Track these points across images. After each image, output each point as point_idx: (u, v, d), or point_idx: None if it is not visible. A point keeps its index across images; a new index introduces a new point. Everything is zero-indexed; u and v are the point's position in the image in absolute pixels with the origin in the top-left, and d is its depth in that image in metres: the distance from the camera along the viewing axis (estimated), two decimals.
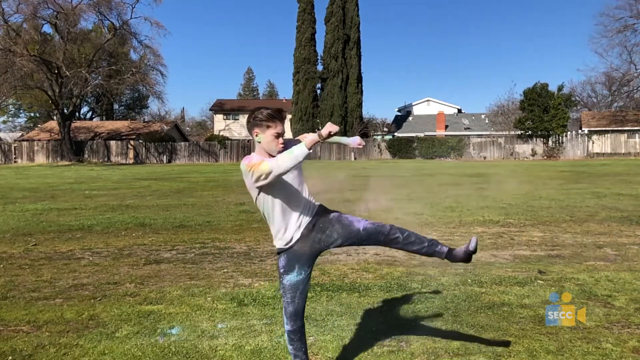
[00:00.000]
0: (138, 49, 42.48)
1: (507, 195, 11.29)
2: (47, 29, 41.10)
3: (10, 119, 61.21)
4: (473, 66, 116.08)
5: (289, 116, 40.68)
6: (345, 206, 8.71)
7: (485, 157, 39.59)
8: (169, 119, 57.02)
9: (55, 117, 44.87)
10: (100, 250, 6.17)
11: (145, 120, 52.16)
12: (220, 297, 4.18)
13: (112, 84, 39.23)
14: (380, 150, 41.55)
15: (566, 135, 38.86)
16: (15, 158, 40.94)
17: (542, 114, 38.07)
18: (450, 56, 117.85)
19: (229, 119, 52.57)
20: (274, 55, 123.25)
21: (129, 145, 41.80)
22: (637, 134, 38.69)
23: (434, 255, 2.61)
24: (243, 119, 50.08)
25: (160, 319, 3.70)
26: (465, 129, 46.43)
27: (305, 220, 2.53)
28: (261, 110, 2.49)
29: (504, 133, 40.39)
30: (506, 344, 3.17)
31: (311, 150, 2.33)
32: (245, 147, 41.39)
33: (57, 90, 37.31)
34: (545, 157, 38.23)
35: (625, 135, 38.87)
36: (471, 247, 2.56)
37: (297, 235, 2.51)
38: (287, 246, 2.52)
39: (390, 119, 53.20)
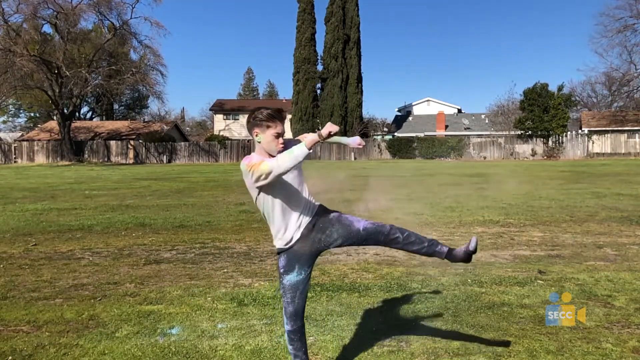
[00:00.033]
0: (138, 49, 42.55)
1: (507, 195, 11.29)
2: (47, 29, 41.19)
3: (10, 119, 61.30)
4: (473, 66, 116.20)
5: (289, 116, 40.69)
6: (345, 206, 8.72)
7: (485, 157, 39.59)
8: (169, 119, 57.04)
9: (55, 117, 44.88)
10: (100, 250, 6.17)
11: (145, 120, 52.16)
12: (220, 297, 4.18)
13: (112, 84, 39.24)
14: (380, 150, 41.55)
15: (566, 135, 38.86)
16: (15, 158, 40.94)
17: (542, 114, 38.07)
18: (450, 56, 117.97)
19: (229, 119, 52.57)
20: (274, 55, 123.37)
21: (129, 145, 41.80)
22: (637, 134, 38.69)
23: (434, 255, 2.61)
24: (243, 119, 50.07)
25: (160, 319, 3.70)
26: (465, 129, 46.43)
27: (305, 220, 2.53)
28: (261, 110, 2.49)
29: (504, 133, 40.40)
30: (506, 344, 3.17)
31: (311, 150, 2.33)
32: (245, 147, 41.39)
33: (57, 90, 37.31)
34: (545, 157, 38.23)
35: (625, 135, 38.87)
36: (471, 247, 2.56)
37: (297, 235, 2.51)
38: (287, 246, 2.52)
39: (390, 119, 53.28)
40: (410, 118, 50.81)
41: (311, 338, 3.25)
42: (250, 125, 2.51)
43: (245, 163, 2.41)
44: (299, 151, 2.30)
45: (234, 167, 30.42)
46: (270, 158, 2.41)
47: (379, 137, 44.87)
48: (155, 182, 17.47)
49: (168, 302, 4.10)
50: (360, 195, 11.63)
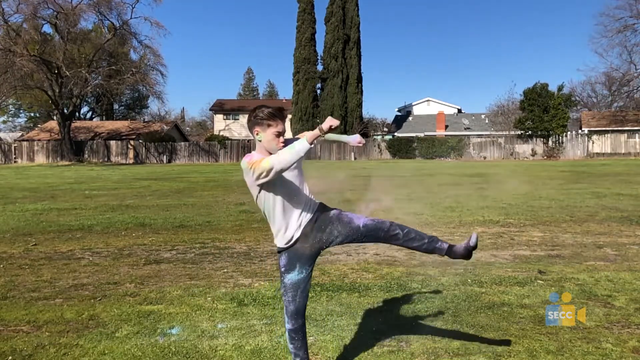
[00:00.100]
0: (138, 49, 42.55)
1: (507, 195, 11.29)
2: (47, 29, 41.19)
3: (10, 119, 61.30)
4: (473, 66, 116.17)
5: (289, 116, 40.68)
6: (345, 206, 8.70)
7: (485, 157, 39.59)
8: (169, 119, 57.04)
9: (55, 117, 44.89)
10: (100, 250, 6.17)
11: (145, 120, 52.16)
12: (220, 297, 4.18)
13: (112, 84, 39.24)
14: (380, 150, 41.55)
15: (566, 135, 38.86)
16: (15, 158, 40.95)
17: (542, 114, 38.08)
18: (450, 56, 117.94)
19: (229, 119, 52.57)
20: (274, 55, 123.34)
21: (129, 145, 41.80)
22: (637, 134, 38.69)
23: (434, 251, 2.60)
24: (243, 119, 50.07)
25: (160, 319, 3.69)
26: (465, 129, 46.43)
27: (306, 218, 2.52)
28: (262, 109, 2.48)
29: (504, 133, 40.40)
30: (506, 344, 3.17)
31: (312, 145, 2.32)
32: (245, 147, 41.38)
33: (57, 90, 37.31)
34: (545, 157, 38.23)
35: (625, 135, 38.87)
36: (472, 242, 2.56)
37: (298, 234, 2.51)
38: (287, 245, 2.52)
39: (390, 119, 53.28)
40: (410, 118, 50.81)
41: (311, 338, 3.25)
42: (251, 124, 2.50)
43: (246, 161, 2.40)
44: (300, 146, 2.29)
45: (234, 167, 30.42)
46: (271, 155, 2.41)
47: (379, 137, 44.87)
48: (155, 182, 17.47)
49: (168, 302, 4.10)
50: (360, 195, 11.63)
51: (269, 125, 2.46)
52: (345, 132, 40.94)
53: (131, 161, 40.92)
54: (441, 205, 9.83)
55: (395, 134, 45.89)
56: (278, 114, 2.47)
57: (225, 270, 5.14)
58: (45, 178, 20.82)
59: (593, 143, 38.80)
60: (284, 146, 2.45)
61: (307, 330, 2.70)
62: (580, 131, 40.59)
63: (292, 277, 2.53)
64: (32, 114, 60.14)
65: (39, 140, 42.75)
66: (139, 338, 3.34)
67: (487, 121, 46.41)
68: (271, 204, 2.48)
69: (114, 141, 42.26)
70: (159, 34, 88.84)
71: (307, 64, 43.82)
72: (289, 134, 2.75)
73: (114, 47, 40.90)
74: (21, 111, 60.47)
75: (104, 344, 3.24)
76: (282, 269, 2.56)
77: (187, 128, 64.87)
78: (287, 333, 2.61)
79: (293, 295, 2.54)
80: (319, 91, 44.81)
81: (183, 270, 5.16)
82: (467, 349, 3.10)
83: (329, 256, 5.60)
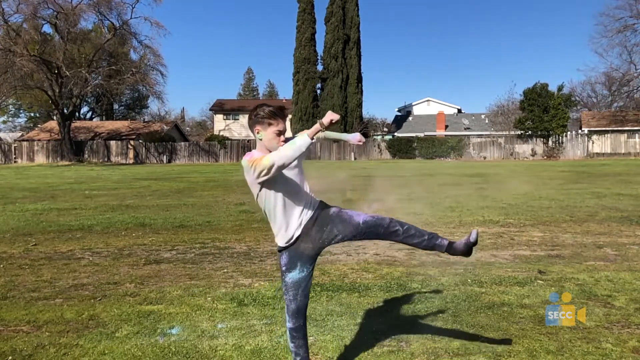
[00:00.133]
0: (138, 49, 42.57)
1: (507, 196, 11.29)
2: (47, 29, 41.20)
3: (10, 119, 61.31)
4: (473, 66, 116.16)
5: (289, 116, 40.70)
6: (346, 206, 8.70)
7: (485, 157, 39.59)
8: (169, 119, 57.04)
9: (55, 117, 44.89)
10: (100, 250, 6.17)
11: (145, 120, 52.17)
12: (220, 297, 4.18)
13: (112, 84, 39.25)
14: (380, 150, 41.55)
15: (566, 135, 38.86)
16: (15, 158, 40.95)
17: (542, 114, 38.08)
18: (450, 56, 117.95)
19: (229, 119, 52.57)
20: (274, 55, 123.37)
21: (129, 145, 41.80)
22: (637, 134, 38.69)
23: (434, 248, 2.59)
24: (243, 119, 50.08)
25: (160, 319, 3.69)
26: (465, 129, 46.43)
27: (307, 217, 2.52)
28: (263, 108, 2.48)
29: (504, 133, 40.40)
30: (506, 344, 3.17)
31: (313, 140, 2.32)
32: (245, 147, 41.37)
33: (57, 90, 37.32)
34: (545, 157, 38.23)
35: (625, 135, 38.87)
36: (472, 238, 2.55)
37: (298, 233, 2.50)
38: (288, 244, 2.51)
39: (390, 119, 53.30)
40: (410, 118, 50.81)
41: (311, 338, 3.25)
42: (252, 123, 2.50)
43: (246, 159, 2.40)
44: (301, 141, 2.29)
45: (234, 167, 30.42)
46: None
47: (379, 137, 44.88)
48: (155, 182, 17.47)
49: (168, 302, 4.10)
50: (360, 195, 11.63)
51: (269, 124, 2.46)
52: (345, 132, 40.94)
53: (131, 161, 40.92)
54: (441, 205, 9.83)
55: (395, 134, 45.89)
56: (279, 113, 2.47)
57: (225, 270, 5.14)
58: (45, 178, 20.82)
59: (593, 143, 38.80)
60: None
61: (307, 330, 2.70)
62: (580, 131, 40.59)
63: (293, 276, 2.53)
64: (32, 114, 60.15)
65: (39, 140, 42.75)
66: (139, 338, 3.34)
67: (487, 121, 46.41)
68: (272, 202, 2.47)
69: (114, 141, 42.26)
70: (159, 34, 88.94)
71: (307, 64, 43.83)
72: (289, 134, 2.73)
73: (114, 47, 40.91)
74: (21, 111, 60.51)
75: (104, 344, 3.24)
76: (283, 268, 2.55)
77: (187, 128, 64.87)
78: (288, 332, 2.61)
79: (294, 294, 2.54)
80: (319, 91, 44.81)
81: (183, 270, 5.16)
82: (467, 349, 3.10)
83: (329, 256, 5.60)
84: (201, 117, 71.12)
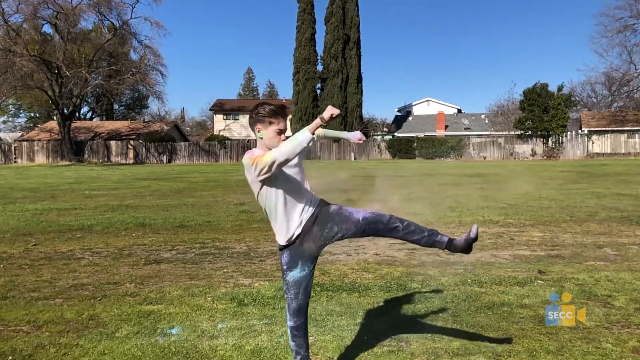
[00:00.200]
0: (138, 49, 42.57)
1: (508, 195, 11.28)
2: (47, 29, 41.20)
3: (10, 119, 61.29)
4: (473, 66, 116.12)
5: (289, 116, 40.69)
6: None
7: (485, 157, 39.59)
8: (169, 119, 57.04)
9: (55, 117, 44.89)
10: (100, 250, 6.17)
11: (145, 120, 52.17)
12: (220, 297, 4.18)
13: (112, 84, 39.25)
14: (380, 150, 41.55)
15: (566, 136, 38.86)
16: (15, 158, 40.95)
17: (542, 114, 38.08)
18: (450, 56, 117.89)
19: (229, 119, 52.56)
20: (274, 55, 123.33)
21: (129, 145, 41.80)
22: (637, 134, 38.69)
23: (434, 245, 2.58)
24: (243, 119, 50.09)
25: (160, 319, 3.69)
26: (465, 129, 46.43)
27: (307, 215, 2.51)
28: (264, 106, 2.47)
29: (504, 133, 40.40)
30: (506, 343, 3.17)
31: (314, 136, 2.31)
32: (245, 147, 41.35)
33: (57, 90, 37.32)
34: (545, 157, 38.23)
35: (625, 135, 38.87)
36: (472, 234, 2.54)
37: (299, 231, 2.50)
38: (289, 242, 2.51)
39: (390, 119, 53.27)
40: (410, 118, 50.81)
41: (311, 338, 3.25)
42: (253, 121, 2.49)
43: (247, 157, 2.39)
44: (302, 136, 2.28)
45: (234, 167, 30.43)
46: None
47: (379, 137, 44.88)
48: (155, 182, 17.47)
49: (168, 302, 4.10)
50: (360, 195, 11.63)
51: (270, 123, 2.45)
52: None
53: (131, 161, 40.93)
54: (441, 205, 9.83)
55: (395, 134, 45.89)
56: (280, 112, 2.46)
57: (225, 270, 5.14)
58: (45, 178, 20.82)
59: (593, 143, 38.80)
60: None
61: (308, 329, 2.70)
62: (580, 131, 40.60)
63: (294, 274, 2.53)
64: (32, 114, 60.15)
65: (39, 140, 42.75)
66: (139, 338, 3.34)
67: (487, 121, 46.41)
68: (273, 200, 2.46)
69: (114, 141, 42.26)
70: (159, 34, 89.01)
71: (307, 64, 43.83)
72: (289, 133, 2.74)
73: (114, 47, 40.91)
74: (21, 111, 60.50)
75: (104, 344, 3.24)
76: (284, 267, 2.55)
77: (187, 128, 64.87)
78: (289, 331, 2.61)
79: (295, 292, 2.53)
80: (319, 91, 44.82)
81: (183, 270, 5.16)
82: (467, 349, 3.10)
83: (329, 256, 5.60)
84: (201, 117, 71.20)
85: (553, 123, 37.90)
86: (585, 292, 4.17)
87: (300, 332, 2.59)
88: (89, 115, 58.61)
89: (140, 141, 41.98)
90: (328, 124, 2.34)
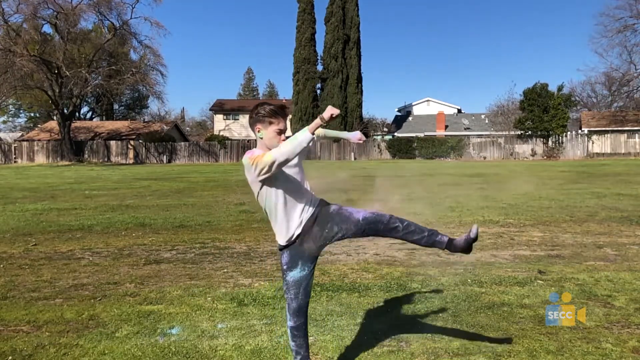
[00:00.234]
0: (138, 49, 42.57)
1: (508, 195, 11.28)
2: (47, 29, 41.20)
3: (10, 119, 61.30)
4: (473, 66, 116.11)
5: (289, 116, 40.71)
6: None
7: (485, 157, 39.59)
8: (169, 119, 57.05)
9: (55, 117, 44.90)
10: (100, 250, 6.17)
11: (145, 120, 52.17)
12: (220, 297, 4.18)
13: (112, 84, 39.25)
14: (380, 150, 41.56)
15: (566, 136, 38.86)
16: (15, 158, 40.95)
17: (542, 114, 38.08)
18: (450, 56, 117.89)
19: (229, 119, 52.56)
20: (274, 55, 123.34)
21: (129, 145, 41.80)
22: (637, 134, 38.69)
23: (434, 245, 2.57)
24: (243, 119, 50.08)
25: (160, 319, 3.69)
26: (465, 129, 46.43)
27: (307, 215, 2.51)
28: (264, 106, 2.47)
29: (504, 133, 40.40)
30: (506, 343, 3.17)
31: (314, 136, 2.31)
32: (245, 147, 41.35)
33: (57, 90, 37.32)
34: (545, 157, 38.23)
35: (625, 135, 38.87)
36: (472, 234, 2.54)
37: (299, 231, 2.50)
38: (289, 242, 2.51)
39: (390, 119, 53.27)
40: (410, 118, 50.81)
41: (311, 338, 3.25)
42: (253, 121, 2.49)
43: (247, 157, 2.39)
44: (302, 136, 2.27)
45: (234, 167, 30.43)
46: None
47: (379, 137, 44.88)
48: (155, 182, 17.47)
49: (168, 302, 4.10)
50: (361, 195, 11.63)
51: (270, 123, 2.45)
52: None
53: (131, 161, 40.93)
54: (442, 205, 9.83)
55: (395, 134, 45.89)
56: (280, 112, 2.46)
57: (225, 270, 5.14)
58: (45, 178, 20.82)
59: (593, 143, 38.81)
60: None
61: (308, 329, 2.70)
62: (580, 131, 40.60)
63: (295, 274, 2.53)
64: (32, 114, 60.14)
65: (39, 140, 42.75)
66: (139, 338, 3.34)
67: (487, 121, 46.41)
68: (273, 200, 2.46)
69: (114, 141, 42.26)
70: (159, 34, 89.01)
71: (307, 64, 43.83)
72: (289, 134, 2.74)
73: (114, 47, 40.92)
74: (21, 111, 60.50)
75: (104, 344, 3.24)
76: (284, 267, 2.55)
77: (187, 128, 64.87)
78: (289, 330, 2.61)
79: (295, 292, 2.53)
80: (319, 91, 44.82)
81: (183, 270, 5.16)
82: (467, 349, 3.10)
83: (329, 256, 5.60)
84: (201, 117, 71.20)
85: (553, 123, 37.91)
86: (585, 292, 4.17)
87: (301, 332, 2.59)
88: (89, 115, 58.63)
89: (140, 141, 41.98)
90: (328, 123, 2.34)
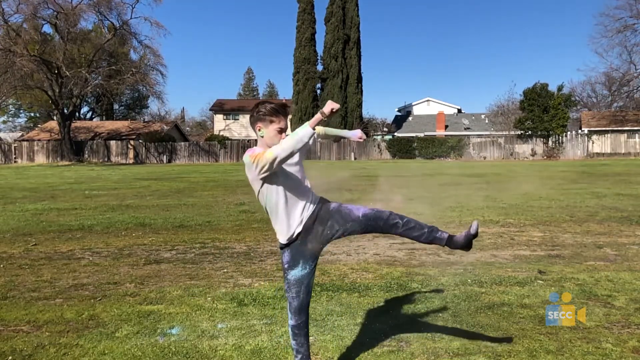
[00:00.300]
0: (138, 49, 42.58)
1: (509, 195, 11.28)
2: (47, 29, 41.21)
3: (10, 119, 61.28)
4: (473, 66, 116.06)
5: (289, 116, 40.72)
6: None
7: (485, 157, 39.60)
8: (169, 119, 57.04)
9: (55, 117, 44.90)
10: (100, 250, 6.17)
11: (145, 120, 52.16)
12: (220, 297, 4.18)
13: (112, 84, 39.25)
14: (380, 150, 41.56)
15: (566, 135, 38.87)
16: (15, 158, 40.95)
17: (542, 114, 38.08)
18: (450, 56, 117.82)
19: (229, 119, 52.55)
20: (274, 55, 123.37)
21: (129, 145, 41.80)
22: (637, 134, 38.70)
23: (434, 241, 2.56)
24: (243, 119, 50.08)
25: (160, 319, 3.69)
26: (465, 129, 46.43)
27: (308, 213, 2.51)
28: (265, 105, 2.47)
29: (504, 133, 40.41)
30: (506, 343, 3.16)
31: (315, 131, 2.30)
32: (245, 147, 41.35)
33: (57, 90, 37.31)
34: (545, 157, 38.23)
35: (625, 135, 38.88)
36: (472, 230, 2.53)
37: (300, 229, 2.50)
38: (290, 241, 2.51)
39: (390, 119, 53.26)
40: (410, 118, 50.81)
41: (311, 338, 3.24)
42: (254, 120, 2.48)
43: (248, 154, 2.38)
44: (303, 132, 2.27)
45: (234, 167, 30.43)
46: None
47: (379, 137, 44.88)
48: (155, 182, 17.47)
49: (168, 302, 4.10)
50: (361, 195, 11.63)
51: (271, 121, 2.44)
52: None
53: (131, 161, 40.92)
54: (442, 205, 9.82)
55: (395, 134, 45.90)
56: (281, 110, 2.46)
57: (225, 270, 5.14)
58: (45, 178, 20.82)
59: (593, 143, 38.82)
60: None
61: (309, 327, 2.70)
62: (580, 131, 40.60)
63: (296, 273, 2.52)
64: (32, 114, 60.13)
65: (39, 140, 42.75)
66: (139, 338, 3.34)
67: (487, 121, 46.42)
68: (274, 198, 2.46)
69: (114, 141, 42.26)
70: (159, 34, 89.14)
71: (307, 64, 43.84)
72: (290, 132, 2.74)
73: (114, 47, 40.91)
74: (21, 111, 60.48)
75: (104, 344, 3.24)
76: (286, 266, 2.55)
77: (187, 128, 64.86)
78: (290, 329, 2.61)
79: (297, 291, 2.53)
80: (319, 91, 44.83)
81: (183, 270, 5.16)
82: (467, 349, 3.10)
83: (329, 256, 5.60)
84: (201, 117, 71.20)
85: (553, 123, 37.91)
86: (585, 292, 4.17)
87: (302, 330, 2.58)
88: (89, 115, 58.62)
89: (140, 141, 41.98)
90: (329, 118, 2.34)
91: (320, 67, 44.67)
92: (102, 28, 42.48)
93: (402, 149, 40.86)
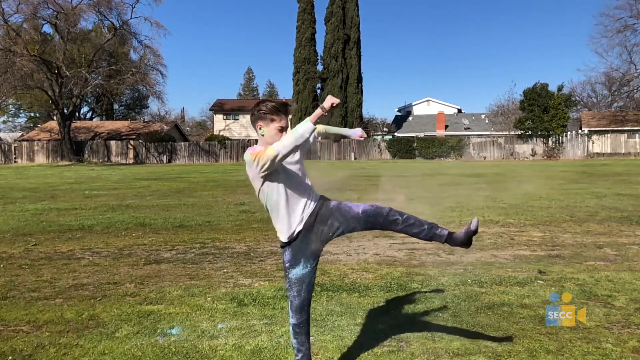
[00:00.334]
0: (138, 49, 42.58)
1: (509, 195, 11.28)
2: (47, 29, 41.21)
3: (10, 119, 61.29)
4: (473, 66, 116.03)
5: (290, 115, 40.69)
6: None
7: (485, 157, 39.60)
8: (169, 119, 57.04)
9: (55, 117, 44.90)
10: (100, 250, 6.17)
11: (145, 120, 52.16)
12: (220, 297, 4.18)
13: (112, 84, 39.26)
14: (380, 150, 41.56)
15: (566, 135, 38.87)
16: (15, 158, 40.95)
17: (542, 114, 38.09)
18: (450, 56, 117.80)
19: (229, 119, 52.53)
20: (274, 55, 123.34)
21: (129, 145, 41.80)
22: (637, 134, 38.70)
23: (433, 238, 2.57)
24: (243, 119, 50.07)
25: (160, 319, 3.69)
26: (465, 129, 46.43)
27: (308, 211, 2.51)
28: (266, 103, 2.46)
29: (504, 133, 40.41)
30: (506, 343, 3.16)
31: (316, 126, 2.30)
32: (246, 147, 41.37)
33: (57, 90, 37.32)
34: (545, 157, 38.23)
35: (625, 135, 38.88)
36: (472, 227, 2.53)
37: (300, 227, 2.49)
38: (291, 239, 2.50)
39: (390, 119, 53.26)
40: (410, 118, 50.81)
41: (311, 338, 3.24)
42: (254, 118, 2.48)
43: (249, 152, 2.38)
44: (303, 128, 2.26)
45: (234, 167, 30.43)
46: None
47: (379, 137, 44.87)
48: (155, 182, 17.47)
49: (168, 302, 4.10)
50: (361, 195, 11.63)
51: (272, 120, 2.44)
52: None
53: (131, 161, 40.93)
54: (442, 205, 9.82)
55: (395, 134, 45.89)
56: (282, 109, 2.45)
57: (225, 270, 5.14)
58: (45, 178, 20.81)
59: (593, 143, 38.82)
60: None
61: (310, 326, 2.70)
62: (580, 131, 40.60)
63: (297, 271, 2.52)
64: (32, 114, 60.14)
65: (39, 140, 42.75)
66: (139, 338, 3.34)
67: (487, 121, 46.42)
68: (274, 197, 2.45)
69: (114, 141, 42.26)
70: (159, 34, 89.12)
71: (307, 64, 43.85)
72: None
73: (114, 47, 40.92)
74: (21, 111, 60.49)
75: (104, 344, 3.24)
76: (287, 264, 2.54)
77: (187, 128, 64.86)
78: (291, 328, 2.61)
79: (298, 289, 2.53)
80: (319, 91, 44.83)
81: (183, 270, 5.16)
82: (467, 349, 3.10)
83: (329, 256, 5.60)
84: (201, 117, 71.19)
85: (553, 123, 37.91)
86: (585, 292, 4.17)
87: (302, 329, 2.58)
88: (89, 115, 58.62)
89: (140, 141, 41.99)
90: (329, 112, 2.33)
91: (320, 67, 44.69)
92: (102, 28, 42.51)
93: (402, 149, 40.86)
